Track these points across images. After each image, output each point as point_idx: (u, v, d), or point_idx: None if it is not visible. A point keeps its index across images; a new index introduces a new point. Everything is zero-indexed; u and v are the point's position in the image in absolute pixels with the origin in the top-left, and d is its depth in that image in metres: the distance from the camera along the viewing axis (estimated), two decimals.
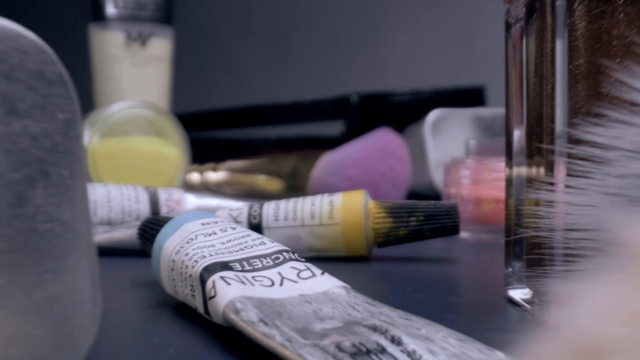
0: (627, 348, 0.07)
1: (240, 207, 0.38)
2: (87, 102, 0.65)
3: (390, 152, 0.53)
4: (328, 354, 0.17)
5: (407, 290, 0.30)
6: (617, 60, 0.22)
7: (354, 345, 0.17)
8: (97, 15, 0.75)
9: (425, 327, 0.19)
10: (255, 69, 1.10)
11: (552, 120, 0.22)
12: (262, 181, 0.61)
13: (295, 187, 0.57)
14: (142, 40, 0.76)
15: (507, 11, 0.27)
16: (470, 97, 0.79)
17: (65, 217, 0.15)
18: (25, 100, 0.15)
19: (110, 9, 0.76)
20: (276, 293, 0.21)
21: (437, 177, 0.60)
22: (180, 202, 0.46)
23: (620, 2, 0.22)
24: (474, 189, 0.44)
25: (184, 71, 0.82)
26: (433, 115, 0.64)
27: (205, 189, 0.63)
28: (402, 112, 0.73)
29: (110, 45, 0.74)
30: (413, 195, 0.55)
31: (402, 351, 0.17)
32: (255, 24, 1.11)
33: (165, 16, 0.78)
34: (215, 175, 0.64)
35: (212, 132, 0.87)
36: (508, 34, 0.26)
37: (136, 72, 0.75)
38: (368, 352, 0.17)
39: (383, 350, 0.17)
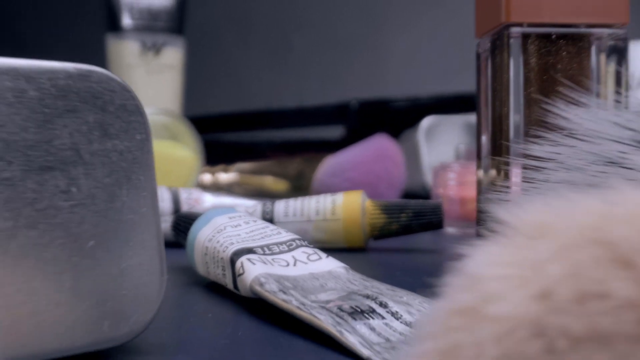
0: (494, 279, 0.13)
1: (254, 204, 0.44)
2: None
3: (387, 156, 0.59)
4: (332, 313, 0.23)
5: (397, 274, 0.35)
6: (561, 89, 0.27)
7: (351, 307, 0.23)
8: (114, 26, 0.80)
9: (406, 295, 0.25)
10: (258, 72, 1.13)
11: (507, 137, 0.27)
12: (270, 182, 0.66)
13: (300, 188, 0.63)
14: (156, 49, 0.80)
15: (478, 44, 0.32)
16: (464, 103, 0.83)
17: (142, 210, 0.21)
18: (114, 126, 0.21)
19: (126, 20, 0.80)
20: (291, 271, 0.27)
21: (430, 179, 0.65)
22: (198, 201, 0.52)
23: (563, 42, 0.28)
24: (459, 190, 0.50)
25: (192, 76, 0.87)
26: (427, 121, 0.69)
27: (217, 189, 0.68)
28: (399, 118, 0.78)
29: (126, 55, 0.79)
30: (408, 195, 0.60)
31: (387, 312, 0.23)
32: (256, 24, 1.14)
33: (178, 26, 0.83)
34: (226, 176, 0.69)
35: (221, 135, 0.91)
36: (478, 62, 0.32)
37: (151, 79, 0.80)
38: (362, 312, 0.23)
39: (373, 311, 0.23)
